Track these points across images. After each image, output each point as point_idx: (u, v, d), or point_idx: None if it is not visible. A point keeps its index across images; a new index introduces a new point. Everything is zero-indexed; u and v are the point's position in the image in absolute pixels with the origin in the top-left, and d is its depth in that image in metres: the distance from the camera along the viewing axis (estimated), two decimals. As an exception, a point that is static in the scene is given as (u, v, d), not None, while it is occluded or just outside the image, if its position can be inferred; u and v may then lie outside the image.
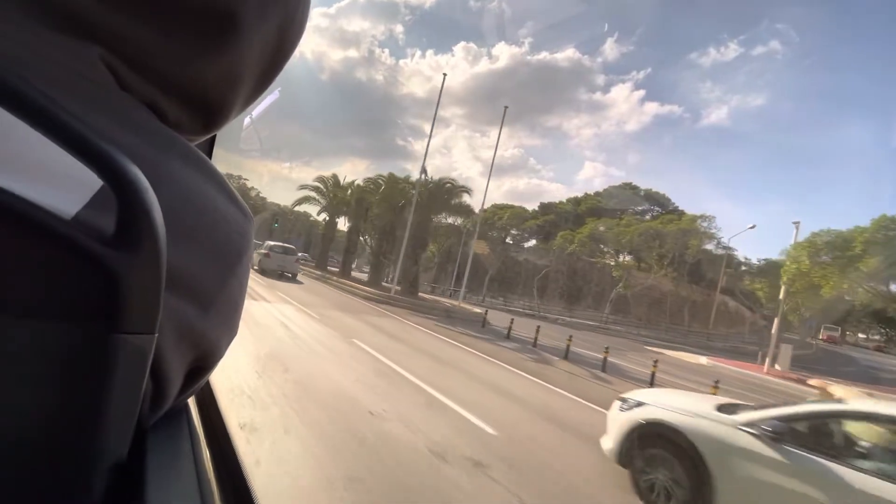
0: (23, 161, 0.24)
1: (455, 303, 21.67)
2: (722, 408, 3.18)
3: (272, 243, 17.75)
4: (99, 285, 0.24)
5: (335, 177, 30.20)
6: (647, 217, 40.97)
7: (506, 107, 24.21)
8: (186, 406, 0.46)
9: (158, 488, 0.32)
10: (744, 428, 2.78)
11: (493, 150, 25.63)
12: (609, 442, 3.55)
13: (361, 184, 27.80)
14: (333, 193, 29.09)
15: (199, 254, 0.35)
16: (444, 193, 23.41)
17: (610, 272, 35.16)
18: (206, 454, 0.43)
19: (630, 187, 45.43)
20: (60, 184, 0.25)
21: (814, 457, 2.47)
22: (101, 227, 0.25)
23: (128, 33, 0.33)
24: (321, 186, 29.63)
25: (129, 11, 0.33)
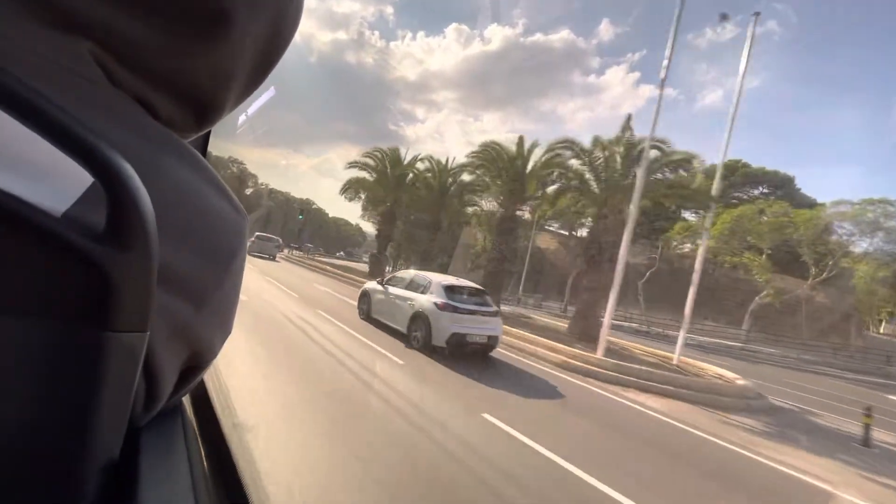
0: (12, 157, 0.24)
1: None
2: (378, 281, 8.88)
3: (259, 233, 24.95)
4: (89, 283, 0.24)
5: (395, 151, 22.47)
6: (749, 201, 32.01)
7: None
8: (181, 405, 0.46)
9: (152, 487, 0.32)
10: (378, 284, 8.67)
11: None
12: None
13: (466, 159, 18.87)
14: (389, 171, 22.06)
15: (193, 252, 0.34)
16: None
17: (730, 273, 27.94)
18: (200, 453, 0.43)
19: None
20: (50, 180, 0.25)
21: (390, 287, 8.21)
22: (91, 224, 0.24)
23: (118, 29, 0.33)
24: (373, 161, 22.36)
25: (120, 7, 0.33)
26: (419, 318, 7.07)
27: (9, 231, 0.22)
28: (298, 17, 0.44)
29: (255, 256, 22.05)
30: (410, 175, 22.30)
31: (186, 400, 0.50)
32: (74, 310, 0.24)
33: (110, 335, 0.25)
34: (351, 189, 24.29)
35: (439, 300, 7.01)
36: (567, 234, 38.75)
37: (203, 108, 0.41)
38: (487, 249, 32.52)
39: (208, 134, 0.77)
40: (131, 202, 0.24)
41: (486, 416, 4.15)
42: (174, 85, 0.38)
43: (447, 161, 21.45)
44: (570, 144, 13.41)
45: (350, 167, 22.75)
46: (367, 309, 8.64)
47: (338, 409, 3.85)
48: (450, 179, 21.15)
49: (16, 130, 0.22)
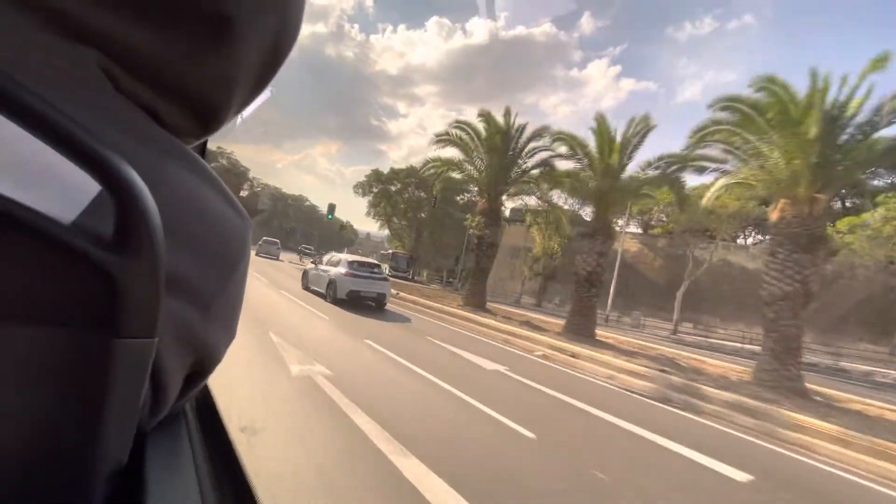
0: (21, 166, 0.24)
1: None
2: (312, 262, 13.67)
3: (266, 238, 29.02)
4: (98, 290, 0.24)
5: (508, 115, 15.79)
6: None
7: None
8: (185, 410, 0.46)
9: (158, 492, 0.33)
10: (312, 264, 13.04)
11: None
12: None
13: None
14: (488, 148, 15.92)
15: (199, 257, 0.35)
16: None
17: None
18: (205, 456, 0.43)
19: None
20: (59, 189, 0.25)
21: (319, 266, 12.29)
22: (100, 231, 0.24)
23: (124, 36, 0.33)
24: (469, 132, 16.25)
25: (126, 14, 0.33)
26: (332, 283, 11.11)
27: (19, 239, 0.23)
28: (299, 27, 0.44)
29: (261, 257, 25.98)
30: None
31: (190, 405, 0.50)
32: (84, 317, 0.25)
33: (119, 342, 0.25)
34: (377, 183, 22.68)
35: (343, 270, 11.11)
36: (642, 232, 32.94)
37: (207, 114, 0.41)
38: (552, 254, 29.88)
39: (206, 139, 0.77)
40: (139, 210, 0.24)
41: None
42: (179, 92, 0.38)
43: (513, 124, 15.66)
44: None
45: (438, 142, 16.68)
46: (306, 282, 12.96)
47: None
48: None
49: (23, 139, 0.22)
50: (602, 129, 12.81)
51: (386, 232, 46.91)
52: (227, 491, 0.43)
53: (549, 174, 15.04)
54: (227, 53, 0.37)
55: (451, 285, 34.59)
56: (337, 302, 10.75)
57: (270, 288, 12.16)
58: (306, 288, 12.71)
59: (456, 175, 17.82)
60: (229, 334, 0.41)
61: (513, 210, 35.83)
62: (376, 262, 12.68)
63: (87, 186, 0.25)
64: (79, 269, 0.24)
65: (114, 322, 0.25)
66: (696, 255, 24.54)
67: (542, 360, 8.40)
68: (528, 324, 13.03)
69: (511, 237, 33.66)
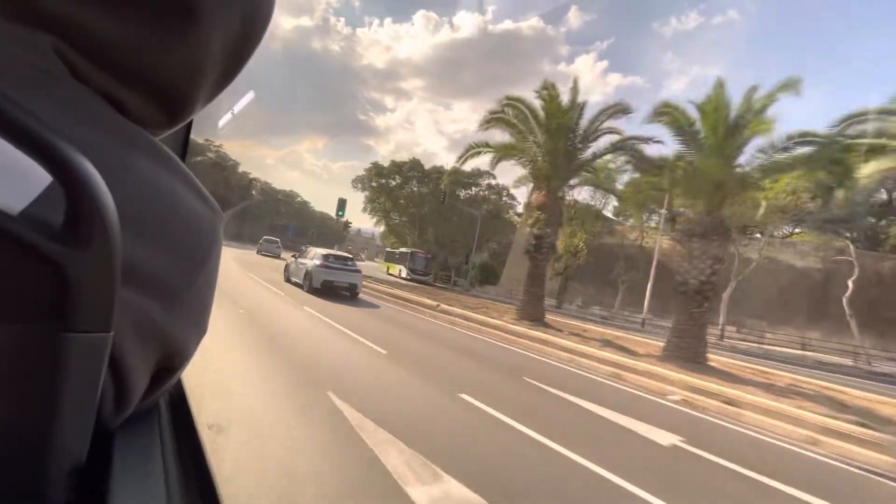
0: None
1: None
2: (293, 256, 15.12)
3: (266, 237, 30.20)
4: (47, 283, 0.23)
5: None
6: None
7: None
8: (157, 406, 0.45)
9: (123, 491, 0.32)
10: (293, 257, 14.42)
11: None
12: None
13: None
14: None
15: (165, 250, 0.34)
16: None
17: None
18: (175, 455, 0.42)
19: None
20: (7, 179, 0.24)
21: (298, 259, 13.77)
22: (50, 222, 0.24)
23: (82, 22, 0.32)
24: (523, 111, 13.56)
25: (83, 0, 0.32)
26: (308, 274, 12.50)
27: None
28: (269, 18, 0.43)
29: (263, 255, 26.78)
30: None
31: (164, 401, 0.49)
32: (32, 310, 0.24)
33: (71, 336, 0.24)
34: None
35: (318, 262, 12.58)
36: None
37: (173, 103, 0.40)
38: (576, 252, 27.63)
39: (188, 133, 0.74)
40: (90, 199, 0.23)
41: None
42: (142, 80, 0.37)
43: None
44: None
45: (489, 122, 13.97)
46: (287, 274, 14.37)
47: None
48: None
49: None
50: (718, 101, 9.83)
51: (380, 228, 44.43)
52: (194, 491, 0.42)
53: (638, 159, 12.49)
54: (191, 40, 0.36)
55: (459, 286, 31.91)
56: (313, 291, 12.17)
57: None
58: (287, 280, 14.08)
59: (513, 162, 15.12)
60: (199, 330, 0.40)
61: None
62: (350, 255, 14.53)
63: (40, 177, 0.24)
64: (26, 260, 0.23)
65: (64, 315, 0.24)
66: (741, 251, 22.35)
67: (691, 411, 6.15)
68: (610, 344, 10.96)
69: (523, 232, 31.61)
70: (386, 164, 39.21)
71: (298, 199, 70.22)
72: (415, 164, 38.26)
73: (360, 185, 40.05)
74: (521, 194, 36.87)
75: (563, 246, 26.78)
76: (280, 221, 57.77)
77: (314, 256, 12.93)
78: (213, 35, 0.37)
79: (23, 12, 0.30)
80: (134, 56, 0.35)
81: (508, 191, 37.78)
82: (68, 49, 0.32)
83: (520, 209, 35.41)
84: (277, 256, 26.37)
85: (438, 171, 34.26)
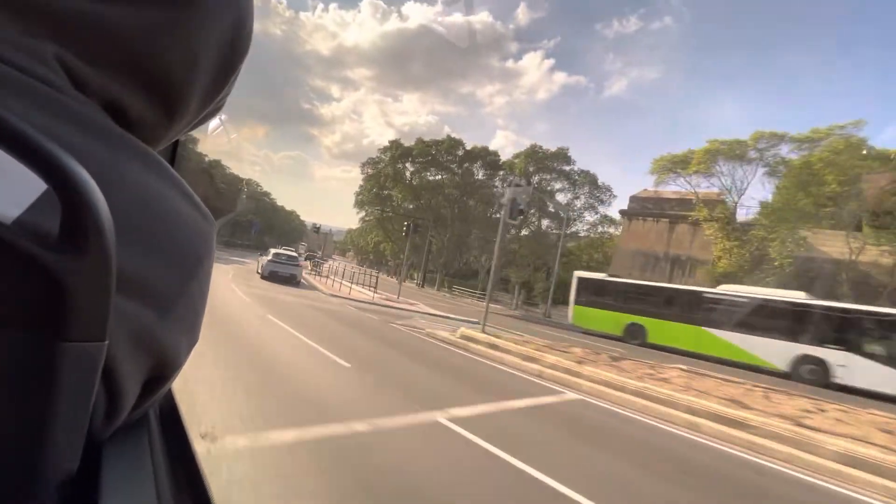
0: None
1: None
2: (261, 254, 25.11)
3: (275, 251, 28.98)
4: (42, 291, 0.23)
5: None
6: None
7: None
8: (147, 417, 0.45)
9: (114, 503, 0.31)
10: (262, 256, 22.45)
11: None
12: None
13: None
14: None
15: (157, 258, 0.34)
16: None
17: None
18: (166, 467, 0.42)
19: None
20: (2, 186, 0.24)
21: (264, 257, 21.31)
22: (45, 230, 0.23)
23: (81, 13, 0.32)
24: None
25: None
26: (262, 265, 20.00)
27: None
28: (251, 34, 0.45)
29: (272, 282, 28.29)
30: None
31: (154, 410, 0.48)
32: (27, 319, 0.23)
33: (66, 345, 0.24)
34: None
35: (268, 258, 20.02)
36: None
37: (170, 101, 0.41)
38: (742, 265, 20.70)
39: (177, 144, 0.77)
40: (86, 207, 0.23)
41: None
42: (142, 70, 0.37)
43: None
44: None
45: None
46: (259, 270, 20.62)
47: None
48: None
49: None
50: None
51: (347, 227, 42.45)
52: (186, 500, 0.41)
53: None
54: (190, 27, 0.37)
55: (535, 308, 26.28)
56: (264, 278, 18.65)
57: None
58: (258, 272, 20.35)
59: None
60: (191, 338, 0.40)
61: (633, 199, 28.71)
62: (294, 253, 21.90)
63: (35, 184, 0.24)
64: (21, 268, 0.23)
65: (59, 324, 0.24)
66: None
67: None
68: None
69: (637, 238, 26.67)
70: (333, 154, 36.00)
71: (262, 191, 68.32)
72: (454, 144, 30.82)
73: (368, 170, 34.23)
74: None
75: (722, 256, 23.18)
76: (245, 217, 54.78)
77: (269, 255, 20.37)
78: (208, 28, 0.39)
79: (19, 15, 0.30)
80: (134, 42, 0.35)
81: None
82: (69, 55, 0.32)
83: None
84: (298, 282, 19.72)
85: (505, 164, 28.91)
